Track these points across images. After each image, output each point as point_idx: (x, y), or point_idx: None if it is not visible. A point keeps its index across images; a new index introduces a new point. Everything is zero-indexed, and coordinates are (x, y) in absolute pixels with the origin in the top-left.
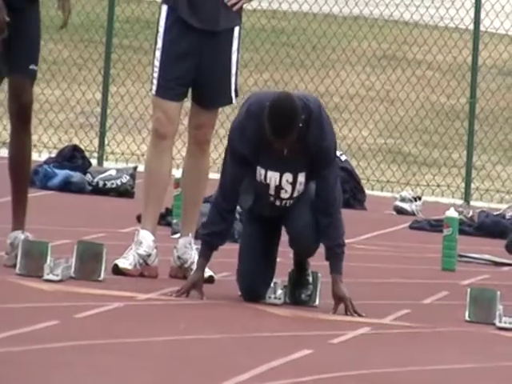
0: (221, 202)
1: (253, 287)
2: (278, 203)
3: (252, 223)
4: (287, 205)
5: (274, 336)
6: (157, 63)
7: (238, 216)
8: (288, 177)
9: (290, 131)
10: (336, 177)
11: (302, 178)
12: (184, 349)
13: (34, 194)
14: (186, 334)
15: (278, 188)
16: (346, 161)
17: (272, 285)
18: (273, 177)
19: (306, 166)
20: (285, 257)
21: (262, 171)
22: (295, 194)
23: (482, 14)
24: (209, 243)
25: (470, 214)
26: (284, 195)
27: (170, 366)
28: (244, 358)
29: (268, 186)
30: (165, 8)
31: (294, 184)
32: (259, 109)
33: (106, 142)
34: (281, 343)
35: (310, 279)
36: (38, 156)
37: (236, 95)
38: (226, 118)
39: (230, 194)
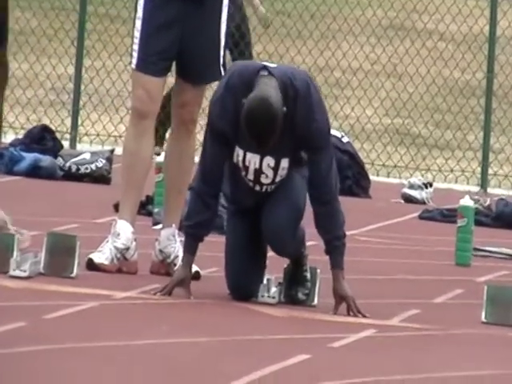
0: (202, 186)
1: (241, 284)
2: (257, 188)
3: (236, 215)
4: (268, 190)
5: (267, 339)
6: (137, 34)
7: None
8: (269, 161)
9: (268, 139)
10: (331, 160)
11: (285, 163)
12: (166, 353)
13: None
14: (169, 337)
15: (258, 172)
16: (348, 143)
17: (265, 282)
18: (252, 159)
19: (290, 151)
20: None
21: (241, 152)
22: (277, 179)
23: None
24: (193, 235)
25: (487, 202)
26: (264, 180)
27: (151, 373)
28: (234, 363)
29: (247, 168)
30: None
31: (275, 169)
32: (240, 82)
33: (80, 122)
34: (275, 347)
35: (308, 276)
36: (3, 137)
37: (224, 70)
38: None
39: (211, 177)
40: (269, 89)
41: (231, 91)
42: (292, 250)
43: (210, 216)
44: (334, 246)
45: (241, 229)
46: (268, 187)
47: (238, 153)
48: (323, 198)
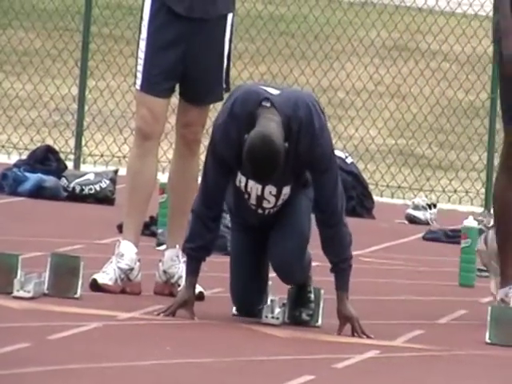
0: (203, 209)
1: (244, 299)
2: (260, 211)
3: (240, 228)
4: (271, 212)
5: (271, 360)
6: (141, 55)
7: (228, 225)
8: (271, 189)
9: (269, 176)
10: (336, 181)
11: (287, 190)
12: (170, 374)
13: (2, 201)
14: (173, 358)
15: (260, 198)
16: (352, 164)
17: (269, 302)
18: (254, 187)
19: (293, 178)
20: None
21: (243, 179)
22: (279, 203)
23: None
24: (195, 257)
25: (491, 223)
26: (267, 205)
27: None
28: None
29: (249, 194)
30: None
31: (277, 196)
32: (243, 111)
33: (84, 143)
34: (279, 368)
35: (312, 297)
36: (7, 158)
37: (228, 90)
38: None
39: (213, 201)
40: (270, 124)
41: (234, 120)
42: (300, 277)
43: (211, 239)
44: (340, 269)
45: (243, 243)
46: (271, 210)
47: (241, 179)
48: (329, 221)
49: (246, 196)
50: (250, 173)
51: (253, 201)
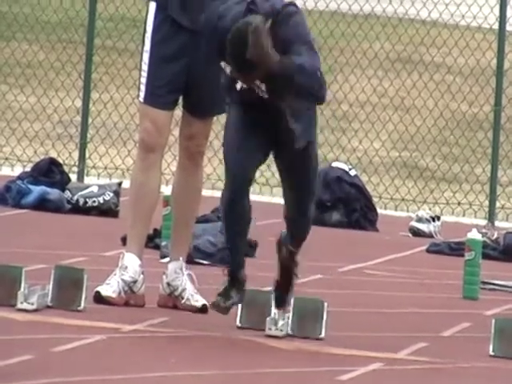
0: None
1: (241, 169)
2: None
3: (238, 106)
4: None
5: (275, 372)
6: (144, 67)
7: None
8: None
9: (244, 54)
10: (313, 58)
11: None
12: None
13: (5, 213)
14: (177, 370)
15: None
16: (355, 176)
17: (272, 315)
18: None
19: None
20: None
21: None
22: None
23: (509, 12)
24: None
25: (495, 235)
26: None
27: None
28: None
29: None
30: (153, 5)
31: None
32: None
33: (87, 155)
34: (283, 381)
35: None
36: (11, 170)
37: None
38: (221, 128)
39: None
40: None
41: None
42: (307, 228)
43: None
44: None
45: (242, 116)
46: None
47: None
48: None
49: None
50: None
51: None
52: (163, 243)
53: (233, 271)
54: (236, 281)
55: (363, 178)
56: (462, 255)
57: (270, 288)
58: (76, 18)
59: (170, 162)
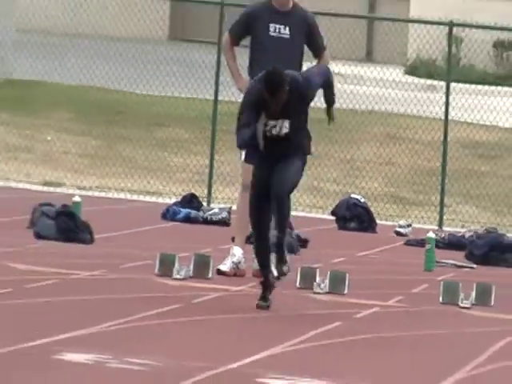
0: (244, 127)
1: (263, 182)
2: (268, 133)
3: (257, 153)
4: (277, 135)
5: (313, 314)
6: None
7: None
8: (277, 122)
9: (279, 87)
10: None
11: (287, 123)
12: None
13: (166, 225)
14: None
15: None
16: (364, 202)
17: (317, 281)
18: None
19: (292, 114)
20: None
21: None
22: (283, 131)
23: (506, 6)
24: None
25: (443, 235)
26: (274, 131)
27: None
28: (289, 327)
29: (267, 125)
30: None
31: (281, 125)
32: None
33: (213, 191)
34: (319, 318)
35: (287, 258)
36: (169, 200)
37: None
38: None
39: (248, 124)
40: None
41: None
42: (285, 196)
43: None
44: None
45: (262, 156)
46: (276, 131)
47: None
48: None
49: (265, 126)
50: (264, 86)
51: (268, 127)
52: None
53: (265, 276)
54: (268, 284)
55: (368, 203)
56: (424, 246)
57: (316, 265)
58: (206, 113)
59: None
